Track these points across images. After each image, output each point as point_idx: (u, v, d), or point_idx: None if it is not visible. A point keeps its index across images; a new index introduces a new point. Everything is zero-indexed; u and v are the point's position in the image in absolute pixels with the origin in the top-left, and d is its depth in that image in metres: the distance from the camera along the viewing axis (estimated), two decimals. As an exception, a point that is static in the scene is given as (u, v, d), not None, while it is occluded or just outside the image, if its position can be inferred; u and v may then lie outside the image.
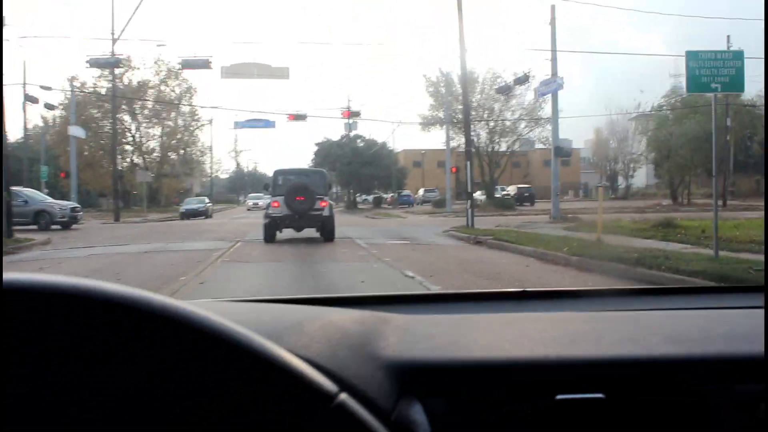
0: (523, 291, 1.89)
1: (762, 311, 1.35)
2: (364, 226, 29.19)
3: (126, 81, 63.49)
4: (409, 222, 35.09)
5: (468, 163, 26.01)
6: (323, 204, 19.70)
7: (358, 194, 66.86)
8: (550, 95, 28.62)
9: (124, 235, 24.81)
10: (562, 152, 27.91)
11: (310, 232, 20.82)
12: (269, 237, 19.75)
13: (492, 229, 23.61)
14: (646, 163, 67.70)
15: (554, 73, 28.05)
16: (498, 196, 50.70)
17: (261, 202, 55.51)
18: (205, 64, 30.85)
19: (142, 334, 0.77)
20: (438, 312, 1.66)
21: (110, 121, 63.98)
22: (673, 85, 51.43)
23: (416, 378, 1.09)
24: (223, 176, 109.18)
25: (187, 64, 31.78)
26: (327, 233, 19.93)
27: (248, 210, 65.14)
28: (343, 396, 0.83)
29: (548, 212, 40.77)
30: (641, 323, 1.44)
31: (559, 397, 1.10)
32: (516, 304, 1.82)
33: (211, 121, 71.65)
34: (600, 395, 1.10)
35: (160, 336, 0.77)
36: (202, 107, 68.12)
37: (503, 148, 54.12)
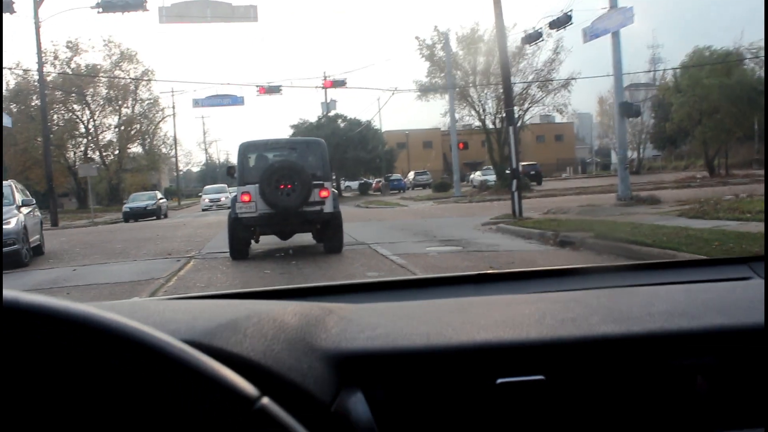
0: (480, 274, 1.86)
1: (707, 285, 1.62)
2: (369, 221, 21.91)
3: (73, 65, 57.07)
4: (418, 212, 27.81)
5: (511, 129, 18.93)
6: (324, 194, 12.33)
7: (342, 180, 60.08)
8: (608, 35, 21.32)
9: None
10: (630, 110, 20.82)
11: (302, 237, 13.56)
12: (238, 251, 12.45)
13: (560, 218, 16.79)
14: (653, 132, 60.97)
15: (614, 4, 20.85)
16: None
17: (224, 198, 45.35)
18: (137, 4, 22.66)
19: (42, 338, 0.73)
20: (394, 299, 1.65)
21: (61, 112, 57.92)
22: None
23: (357, 368, 1.09)
24: (195, 169, 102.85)
25: (111, 6, 23.42)
26: (331, 241, 12.62)
27: (203, 210, 47.18)
28: (265, 400, 0.79)
29: (576, 190, 35.04)
30: (585, 303, 1.43)
31: (499, 380, 1.11)
32: (474, 288, 1.80)
33: (172, 93, 63.63)
34: (540, 377, 1.12)
35: (60, 340, 0.74)
36: (147, 79, 59.70)
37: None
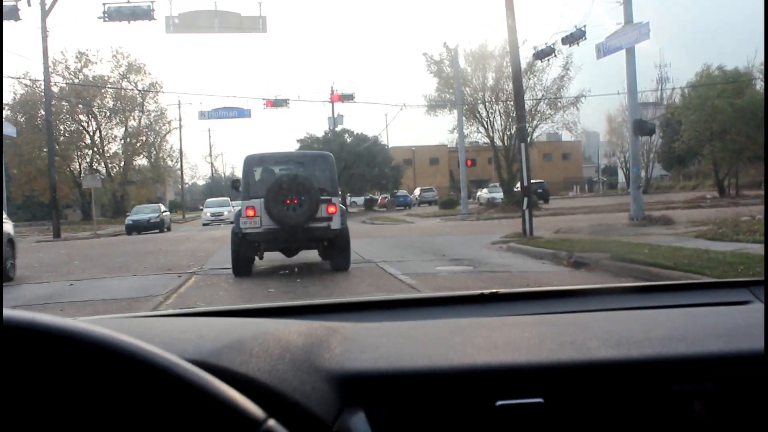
0: (481, 294, 1.85)
1: (707, 309, 1.61)
2: (375, 238, 21.46)
3: (81, 77, 56.88)
4: (425, 229, 27.35)
5: (523, 145, 18.48)
6: (331, 210, 11.89)
7: (348, 195, 59.70)
8: (621, 52, 20.90)
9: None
10: (645, 128, 20.28)
11: (308, 254, 13.14)
12: (241, 267, 12.01)
13: (573, 238, 16.35)
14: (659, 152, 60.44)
15: (628, 20, 20.47)
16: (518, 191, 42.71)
17: (227, 212, 44.00)
18: (146, 13, 22.00)
19: (54, 358, 0.76)
20: (397, 318, 1.67)
21: (67, 123, 57.70)
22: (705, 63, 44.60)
23: (360, 388, 1.10)
24: (200, 183, 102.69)
25: (117, 14, 22.83)
26: (338, 258, 12.15)
27: (204, 225, 44.71)
28: (271, 423, 0.81)
29: (585, 209, 34.49)
30: (585, 326, 1.43)
31: (499, 403, 1.11)
32: (476, 309, 1.80)
33: (179, 105, 63.36)
34: (539, 400, 1.12)
35: (73, 361, 0.76)
36: (155, 91, 59.34)
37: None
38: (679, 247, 12.46)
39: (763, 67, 41.49)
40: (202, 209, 53.29)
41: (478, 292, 1.89)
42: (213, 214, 46.45)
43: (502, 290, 1.94)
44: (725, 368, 1.18)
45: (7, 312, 0.75)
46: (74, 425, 0.76)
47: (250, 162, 12.42)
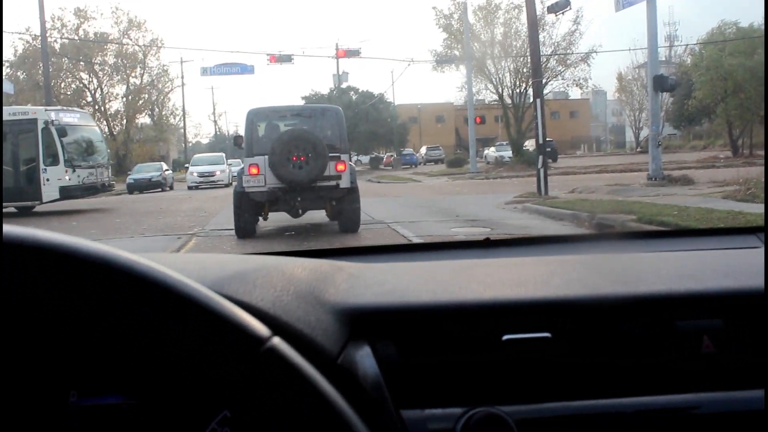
0: (486, 239, 1.80)
1: (715, 252, 1.61)
2: (383, 197, 20.77)
3: (81, 33, 55.86)
4: (434, 189, 26.61)
5: (538, 101, 17.64)
6: (340, 167, 11.14)
7: (353, 154, 58.96)
8: (637, 4, 19.91)
9: None
10: (665, 84, 19.35)
11: (315, 214, 12.44)
12: (244, 228, 11.32)
13: (591, 199, 15.65)
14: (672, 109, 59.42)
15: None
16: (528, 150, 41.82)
17: (220, 172, 37.09)
18: None
19: (69, 278, 0.78)
20: (403, 261, 1.65)
21: (68, 80, 56.83)
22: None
23: (365, 323, 1.09)
24: (204, 141, 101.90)
25: None
26: (347, 219, 11.44)
27: (189, 188, 36.28)
28: (276, 340, 0.83)
29: (596, 168, 33.67)
30: (593, 265, 1.44)
31: (505, 337, 1.11)
32: (481, 252, 1.78)
33: (181, 62, 62.32)
34: (546, 335, 1.11)
35: (84, 278, 0.78)
36: (157, 46, 58.28)
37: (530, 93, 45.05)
38: (710, 208, 11.73)
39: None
40: (187, 167, 43.09)
41: (485, 237, 1.84)
42: (201, 174, 37.29)
43: (505, 236, 1.58)
44: (733, 306, 1.18)
45: (28, 230, 0.77)
46: (79, 341, 0.79)
47: (254, 116, 11.63)
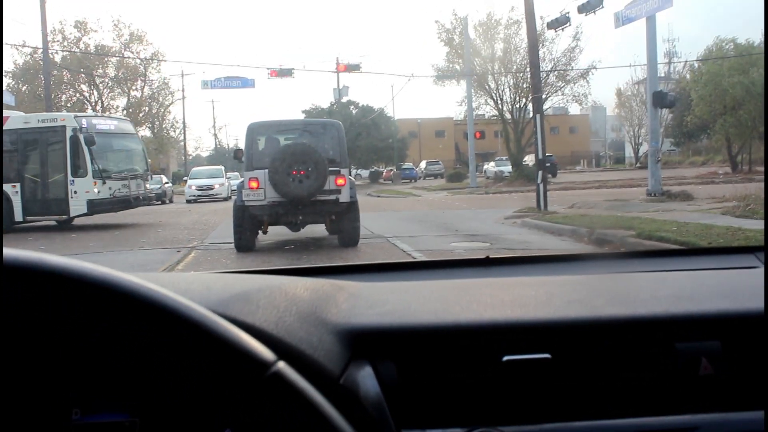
0: (488, 258, 1.84)
1: (713, 272, 1.60)
2: (383, 211, 20.77)
3: (82, 46, 55.99)
4: (433, 203, 26.62)
5: (538, 116, 17.68)
6: (340, 182, 11.15)
7: (352, 168, 58.91)
8: (641, 20, 19.98)
9: None
10: (665, 100, 19.41)
11: (314, 228, 12.43)
12: (243, 242, 11.32)
13: (590, 214, 15.70)
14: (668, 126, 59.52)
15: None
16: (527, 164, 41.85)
17: (219, 185, 36.78)
18: None
19: (77, 302, 0.79)
20: (403, 279, 1.66)
21: (69, 93, 56.89)
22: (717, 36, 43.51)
23: (367, 343, 1.10)
24: (204, 154, 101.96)
25: None
26: (347, 233, 11.46)
27: (188, 201, 35.88)
28: (281, 364, 0.83)
29: (595, 184, 33.70)
30: (592, 286, 1.45)
31: (506, 358, 1.11)
32: (481, 270, 1.80)
33: (182, 75, 62.45)
34: (546, 355, 1.11)
35: (90, 303, 0.79)
36: (158, 59, 58.34)
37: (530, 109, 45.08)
38: (708, 224, 11.75)
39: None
40: (185, 180, 42.32)
41: (484, 252, 1.74)
42: (200, 188, 36.77)
43: (508, 255, 1.53)
44: (731, 327, 1.17)
45: (26, 253, 0.77)
46: (86, 365, 0.80)
47: (254, 130, 11.65)
